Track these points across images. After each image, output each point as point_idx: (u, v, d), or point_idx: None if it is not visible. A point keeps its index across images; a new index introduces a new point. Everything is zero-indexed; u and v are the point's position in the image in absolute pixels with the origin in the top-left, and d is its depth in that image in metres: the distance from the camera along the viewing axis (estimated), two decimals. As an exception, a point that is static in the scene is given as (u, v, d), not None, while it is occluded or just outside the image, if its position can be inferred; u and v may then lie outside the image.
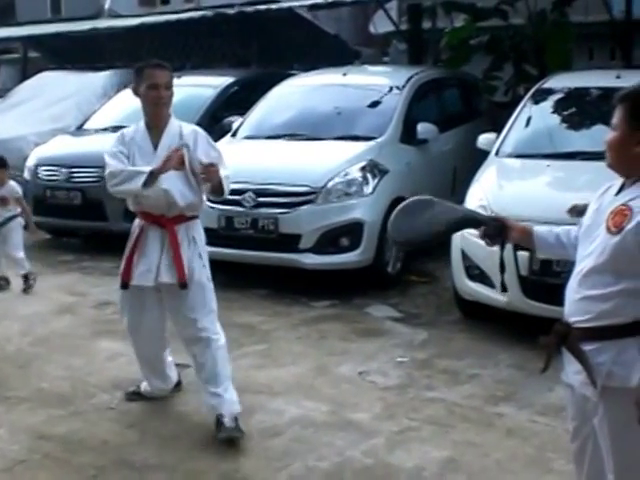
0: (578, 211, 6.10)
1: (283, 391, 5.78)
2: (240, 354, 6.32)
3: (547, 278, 6.52)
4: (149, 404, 5.57)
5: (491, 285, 6.83)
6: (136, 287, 5.17)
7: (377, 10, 19.69)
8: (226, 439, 4.93)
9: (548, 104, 8.38)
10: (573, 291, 3.39)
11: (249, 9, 14.51)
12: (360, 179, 8.15)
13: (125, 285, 5.19)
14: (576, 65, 13.06)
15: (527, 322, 6.82)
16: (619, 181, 3.35)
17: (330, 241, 8.00)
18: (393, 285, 8.43)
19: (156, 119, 5.07)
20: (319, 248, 7.97)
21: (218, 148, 5.20)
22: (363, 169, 8.24)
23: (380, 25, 19.29)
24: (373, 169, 8.30)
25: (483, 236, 3.75)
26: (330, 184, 7.99)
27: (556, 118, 8.24)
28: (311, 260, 7.95)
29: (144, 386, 5.61)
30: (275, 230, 7.91)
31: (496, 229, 3.67)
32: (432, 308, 7.81)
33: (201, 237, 5.21)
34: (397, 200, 8.26)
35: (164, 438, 5.10)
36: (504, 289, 6.42)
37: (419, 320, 7.47)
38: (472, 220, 3.83)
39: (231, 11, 14.64)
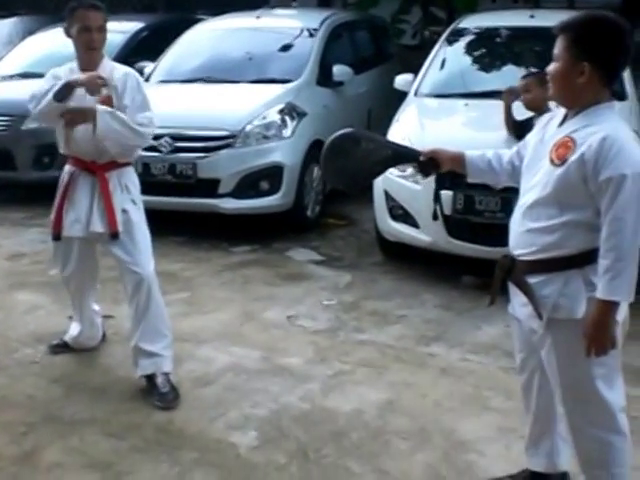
0: (515, 95, 6.04)
1: (211, 338, 5.57)
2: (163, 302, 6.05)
3: (470, 217, 6.44)
4: (74, 357, 5.29)
5: (415, 225, 6.71)
6: (67, 237, 4.86)
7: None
8: (164, 408, 4.64)
9: (464, 44, 8.25)
10: (517, 224, 3.31)
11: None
12: (279, 122, 7.90)
13: (57, 236, 4.88)
14: (480, 8, 12.97)
15: (450, 262, 6.74)
16: (561, 112, 3.23)
17: (250, 185, 7.76)
18: (312, 229, 8.26)
19: (88, 62, 4.71)
20: (238, 192, 7.72)
21: (145, 93, 4.85)
22: (281, 112, 7.99)
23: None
24: (291, 112, 8.06)
25: (418, 169, 3.62)
26: (248, 127, 7.72)
27: (472, 58, 8.11)
28: (231, 205, 7.71)
29: (70, 337, 5.31)
30: (193, 175, 7.61)
31: (429, 161, 3.54)
32: (353, 250, 7.67)
33: (135, 184, 4.90)
34: (316, 143, 8.13)
35: (92, 391, 4.84)
36: (435, 217, 6.25)
37: (341, 263, 7.31)
38: (404, 155, 3.69)
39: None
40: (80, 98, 4.57)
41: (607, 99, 3.08)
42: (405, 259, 7.15)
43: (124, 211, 4.75)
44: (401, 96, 8.13)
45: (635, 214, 2.92)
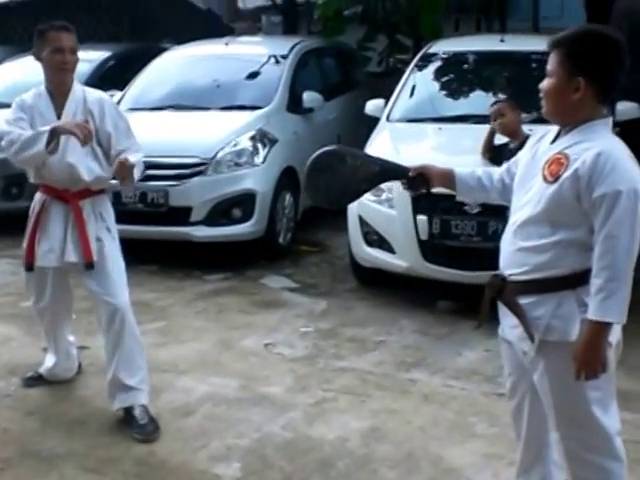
0: (500, 114, 6.00)
1: (189, 368, 5.44)
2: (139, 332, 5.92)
3: (446, 241, 6.41)
4: (48, 389, 5.12)
5: (390, 250, 6.65)
6: (41, 268, 4.72)
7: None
8: (143, 441, 4.49)
9: (435, 69, 8.22)
10: (508, 243, 3.21)
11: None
12: (250, 149, 7.84)
13: (30, 267, 4.73)
14: (445, 35, 12.99)
15: (425, 286, 6.68)
16: (553, 129, 3.16)
17: (222, 213, 7.67)
18: (285, 255, 8.17)
19: (60, 85, 4.58)
20: (211, 220, 7.63)
21: (126, 118, 4.77)
22: (253, 138, 7.92)
23: (249, 0, 18.91)
24: (263, 138, 8.00)
25: (406, 187, 3.52)
26: (220, 154, 7.64)
27: (443, 83, 8.08)
28: (203, 233, 7.60)
29: (45, 369, 5.15)
30: (165, 203, 7.50)
31: (418, 177, 3.44)
32: (327, 277, 7.58)
33: (109, 212, 4.77)
34: (287, 169, 8.08)
35: (69, 424, 4.69)
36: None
37: (316, 290, 7.22)
38: (392, 171, 3.57)
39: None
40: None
41: (602, 115, 3.03)
42: (380, 285, 7.08)
43: (98, 240, 4.62)
44: (370, 122, 8.10)
45: (629, 231, 2.85)
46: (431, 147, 7.16)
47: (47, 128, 4.36)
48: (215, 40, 10.21)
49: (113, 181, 4.69)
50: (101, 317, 4.68)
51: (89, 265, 4.56)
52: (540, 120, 6.72)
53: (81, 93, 4.63)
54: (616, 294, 2.85)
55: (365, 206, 6.68)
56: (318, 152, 3.51)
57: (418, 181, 3.44)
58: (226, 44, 9.71)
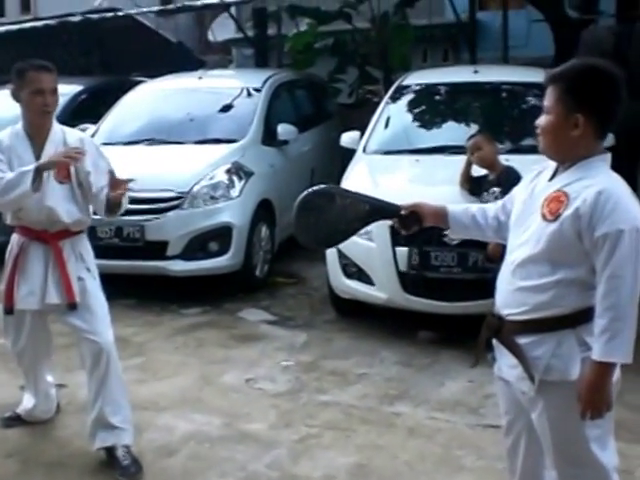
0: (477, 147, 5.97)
1: (170, 405, 5.30)
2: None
3: (426, 272, 6.33)
4: (27, 430, 4.95)
5: (370, 282, 6.57)
6: (20, 311, 4.56)
7: (215, 18, 19.30)
8: None
9: (411, 100, 8.18)
10: (506, 282, 3.11)
11: (94, 16, 13.77)
12: (226, 182, 7.74)
13: (9, 310, 4.55)
14: (413, 67, 13.05)
15: (405, 317, 6.61)
16: (551, 166, 3.07)
17: (198, 246, 7.56)
18: (262, 288, 8.05)
19: (39, 128, 4.42)
20: (187, 254, 7.51)
21: (107, 157, 4.62)
22: (228, 172, 7.83)
23: (219, 33, 18.90)
24: (238, 171, 7.91)
25: (399, 226, 3.42)
26: (196, 188, 7.54)
27: (420, 114, 8.05)
28: (180, 267, 7.49)
29: (23, 409, 4.99)
30: (141, 238, 7.38)
31: (411, 215, 3.34)
32: (305, 309, 7.48)
33: (88, 252, 4.64)
34: (263, 202, 8.00)
35: (49, 466, 4.52)
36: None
37: (295, 322, 7.12)
38: (384, 210, 3.43)
39: (76, 19, 13.85)
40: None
41: (600, 151, 2.94)
42: (359, 316, 6.99)
43: (80, 279, 4.48)
44: (343, 154, 8.06)
45: (633, 271, 2.77)
46: (409, 179, 7.10)
47: (31, 167, 4.23)
48: (188, 73, 10.15)
49: (96, 216, 4.60)
50: (85, 356, 4.52)
51: (72, 306, 4.42)
52: (515, 150, 6.80)
53: (61, 134, 4.48)
54: (621, 334, 2.78)
55: (343, 238, 6.61)
56: (306, 192, 3.40)
57: (410, 219, 3.34)
58: (199, 77, 9.63)
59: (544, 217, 2.92)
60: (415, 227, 3.39)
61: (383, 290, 6.47)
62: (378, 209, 3.42)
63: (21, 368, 4.92)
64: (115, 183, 4.35)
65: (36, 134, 4.43)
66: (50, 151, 4.40)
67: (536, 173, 3.14)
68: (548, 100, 2.96)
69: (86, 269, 4.54)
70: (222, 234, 7.59)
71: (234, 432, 4.91)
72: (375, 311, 6.82)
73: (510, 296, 3.07)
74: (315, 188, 3.42)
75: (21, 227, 4.54)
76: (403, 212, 3.34)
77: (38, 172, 4.22)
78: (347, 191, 3.53)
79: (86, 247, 4.63)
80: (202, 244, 7.58)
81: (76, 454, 4.67)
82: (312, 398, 5.43)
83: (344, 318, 7.10)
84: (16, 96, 4.41)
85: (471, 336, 6.12)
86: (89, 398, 4.56)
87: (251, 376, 5.80)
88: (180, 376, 5.81)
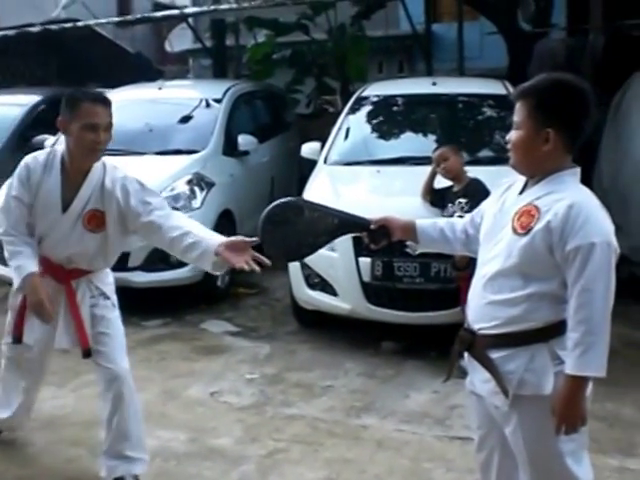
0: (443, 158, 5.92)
1: (134, 421, 5.14)
2: (79, 383, 5.66)
3: (389, 283, 6.25)
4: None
5: (333, 293, 6.49)
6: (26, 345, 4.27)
7: (172, 29, 19.15)
8: None
9: (371, 111, 8.12)
10: (477, 296, 3.05)
11: (54, 27, 13.54)
12: (187, 193, 7.63)
13: (18, 339, 4.24)
14: (370, 78, 13.05)
15: (368, 327, 6.54)
16: (520, 180, 3.03)
17: (160, 258, 7.36)
18: (223, 299, 7.92)
19: (83, 166, 3.95)
20: (149, 265, 7.36)
21: (157, 193, 4.23)
22: (190, 182, 7.71)
23: (176, 43, 18.75)
24: (200, 182, 7.79)
25: (368, 241, 3.35)
26: (157, 199, 7.36)
27: (381, 125, 8.00)
28: (141, 278, 7.34)
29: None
30: (102, 249, 7.19)
31: (380, 230, 3.28)
32: (268, 320, 7.37)
33: (106, 283, 4.27)
34: (225, 213, 7.87)
35: (12, 486, 4.36)
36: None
37: (258, 333, 7.00)
38: (352, 224, 3.38)
39: (35, 29, 13.60)
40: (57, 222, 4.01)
41: (570, 165, 2.90)
42: (321, 327, 6.90)
43: (93, 306, 4.16)
44: (302, 164, 7.97)
45: (605, 284, 2.73)
46: (370, 190, 7.03)
47: (27, 270, 3.93)
48: (148, 84, 10.01)
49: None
50: (100, 382, 4.25)
51: (86, 353, 4.12)
52: (474, 162, 6.75)
53: (100, 173, 3.98)
54: (594, 347, 2.73)
55: (306, 249, 6.54)
56: (275, 204, 3.31)
57: (379, 234, 3.29)
58: (160, 88, 9.51)
59: (515, 231, 2.88)
60: (384, 241, 3.34)
61: (346, 301, 6.39)
62: (347, 223, 3.36)
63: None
64: (235, 245, 3.75)
65: (75, 171, 3.98)
66: (83, 197, 3.97)
67: (506, 187, 3.10)
68: (518, 115, 2.92)
69: (102, 295, 4.22)
70: (184, 245, 7.44)
71: (201, 448, 4.79)
72: (337, 322, 6.74)
73: (482, 310, 3.01)
74: (284, 200, 3.34)
75: (40, 256, 4.12)
76: (372, 227, 3.29)
77: (24, 282, 3.95)
78: (316, 204, 3.43)
79: (103, 280, 4.27)
80: (163, 255, 7.37)
81: (44, 473, 4.49)
82: (278, 411, 5.32)
83: (306, 329, 7.00)
84: (64, 127, 3.91)
85: (434, 346, 6.17)
86: (103, 424, 4.29)
87: (216, 389, 5.68)
88: (144, 390, 5.60)
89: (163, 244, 4.01)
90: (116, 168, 4.08)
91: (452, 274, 5.86)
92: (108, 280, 4.30)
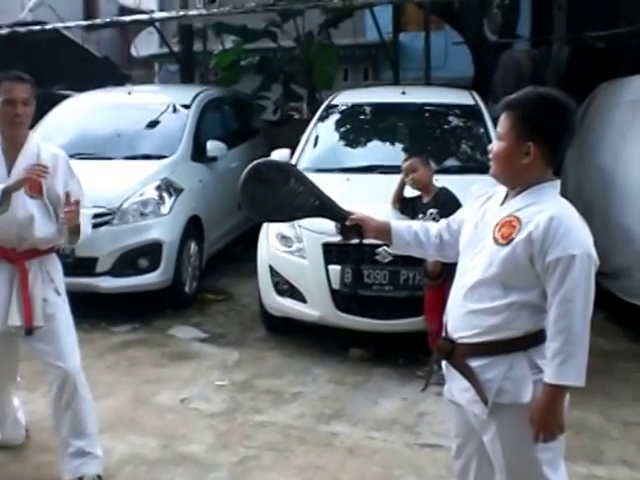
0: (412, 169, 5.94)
1: (105, 427, 5.03)
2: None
3: (358, 290, 6.23)
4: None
5: (302, 300, 6.47)
6: None
7: (138, 33, 19.04)
8: None
9: (340, 119, 8.12)
10: (457, 305, 3.05)
11: (21, 29, 13.37)
12: (156, 198, 7.57)
13: None
14: (335, 85, 13.07)
15: (336, 334, 6.53)
16: (501, 190, 3.04)
17: (128, 263, 7.36)
18: (191, 304, 7.89)
19: (11, 140, 4.22)
20: (117, 271, 7.30)
21: (78, 176, 4.38)
22: (158, 188, 7.66)
23: (142, 48, 18.63)
24: (168, 188, 7.74)
25: (339, 232, 3.35)
26: (126, 204, 7.35)
27: (351, 133, 8.00)
28: (109, 284, 7.28)
29: None
30: (71, 254, 7.08)
31: (354, 227, 3.28)
32: (236, 326, 7.34)
33: (58, 272, 4.39)
34: (193, 218, 7.84)
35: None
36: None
37: (226, 339, 6.96)
38: (331, 211, 3.36)
39: (2, 32, 13.43)
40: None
41: (550, 177, 2.92)
42: (290, 333, 6.88)
43: (45, 300, 4.23)
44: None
45: (584, 295, 2.75)
46: (340, 197, 6.86)
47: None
48: (117, 88, 9.95)
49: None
50: (51, 381, 4.27)
51: (28, 331, 4.16)
52: (444, 171, 6.77)
53: (35, 149, 4.26)
54: (573, 357, 2.75)
55: (275, 256, 6.52)
56: (264, 160, 3.32)
57: (352, 230, 3.29)
58: (129, 93, 9.44)
59: (496, 241, 2.88)
60: (354, 239, 3.33)
61: (315, 308, 6.37)
62: (327, 208, 3.35)
63: None
64: (65, 203, 4.10)
65: (9, 147, 4.23)
66: (22, 166, 4.16)
67: (486, 197, 3.11)
68: (501, 126, 2.93)
69: (54, 290, 4.30)
70: (152, 250, 7.41)
71: (172, 454, 4.75)
72: (306, 328, 6.72)
73: (462, 319, 3.01)
74: (274, 159, 3.33)
75: None
76: (348, 223, 3.29)
77: (5, 193, 4.02)
78: (304, 177, 3.38)
79: (55, 267, 4.39)
80: (132, 261, 7.38)
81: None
82: (248, 418, 5.29)
83: (275, 335, 6.97)
84: None
85: (402, 354, 6.17)
86: (55, 426, 4.31)
87: (186, 396, 5.64)
88: (114, 396, 5.60)
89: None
90: (51, 146, 4.43)
91: (423, 282, 5.87)
92: (57, 266, 4.42)
